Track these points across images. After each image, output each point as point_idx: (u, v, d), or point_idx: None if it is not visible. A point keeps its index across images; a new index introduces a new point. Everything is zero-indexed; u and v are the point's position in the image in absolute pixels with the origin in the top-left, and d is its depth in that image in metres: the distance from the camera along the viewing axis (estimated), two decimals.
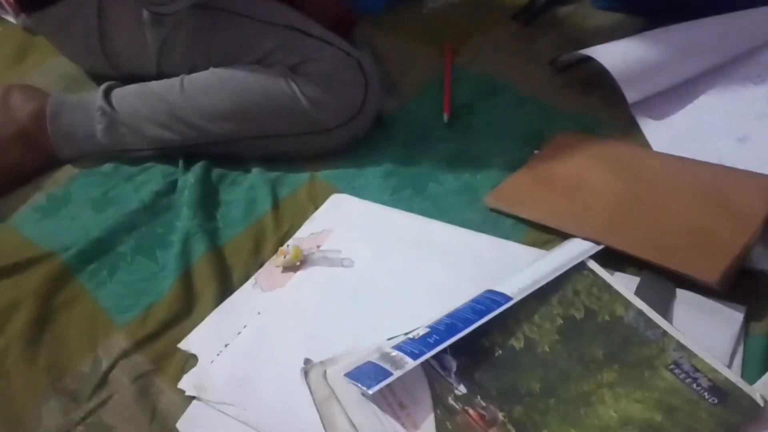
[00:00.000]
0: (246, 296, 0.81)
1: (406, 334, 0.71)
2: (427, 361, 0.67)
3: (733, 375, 0.64)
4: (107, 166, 0.99)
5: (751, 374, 0.66)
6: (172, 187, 0.95)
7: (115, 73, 1.06)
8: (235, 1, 1.01)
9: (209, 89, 0.95)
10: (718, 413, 0.61)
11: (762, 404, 0.62)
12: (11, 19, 1.26)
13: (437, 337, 0.68)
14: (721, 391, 0.63)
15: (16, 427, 0.72)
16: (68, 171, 0.99)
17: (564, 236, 0.82)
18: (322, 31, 0.99)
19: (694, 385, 0.64)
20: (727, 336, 0.70)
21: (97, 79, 1.10)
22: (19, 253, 0.87)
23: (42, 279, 0.83)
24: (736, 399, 0.62)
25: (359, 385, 0.65)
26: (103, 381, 0.74)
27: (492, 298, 0.72)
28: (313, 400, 0.67)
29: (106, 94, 0.98)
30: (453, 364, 0.68)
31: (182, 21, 1.00)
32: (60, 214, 0.93)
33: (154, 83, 0.99)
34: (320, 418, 0.66)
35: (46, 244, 0.88)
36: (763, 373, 0.67)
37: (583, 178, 0.87)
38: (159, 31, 1.01)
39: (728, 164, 0.84)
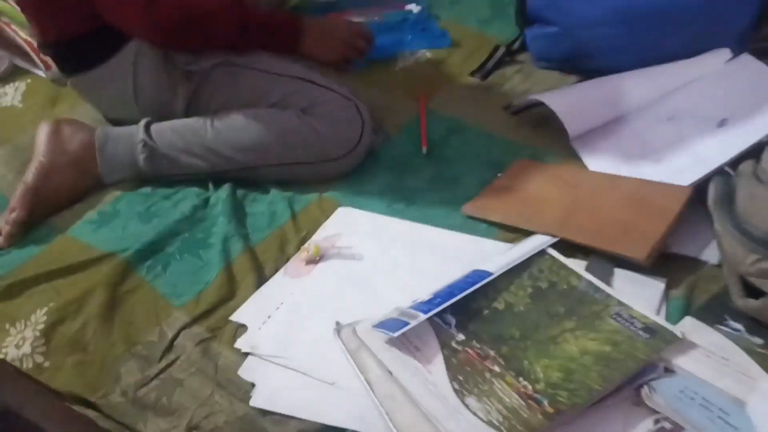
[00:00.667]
0: (279, 283, 1.00)
1: (415, 300, 0.91)
2: (432, 317, 0.87)
3: (660, 318, 0.87)
4: (146, 189, 1.17)
5: (671, 323, 0.89)
6: (205, 203, 1.13)
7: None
8: (252, 58, 1.21)
9: (236, 125, 1.15)
10: (650, 343, 0.83)
11: (681, 336, 0.84)
12: (41, 73, 1.43)
13: (440, 300, 0.88)
14: (651, 329, 0.85)
15: (98, 385, 0.88)
16: (113, 193, 1.16)
17: (527, 234, 1.04)
18: (324, 79, 1.21)
19: (632, 327, 0.86)
20: (653, 299, 0.93)
21: (124, 123, 1.28)
22: (83, 254, 1.04)
23: (107, 273, 1.00)
24: (662, 334, 0.84)
25: (386, 331, 0.84)
26: (170, 346, 0.91)
27: (479, 274, 0.93)
28: (346, 350, 0.86)
29: (147, 129, 1.17)
30: (453, 320, 0.88)
31: (208, 76, 1.20)
32: (112, 225, 1.10)
33: (187, 120, 1.18)
34: (354, 363, 0.84)
35: (105, 247, 1.05)
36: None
37: (538, 191, 1.10)
38: (189, 85, 1.20)
39: (648, 179, 1.08)
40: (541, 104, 1.22)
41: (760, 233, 0.84)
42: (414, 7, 1.61)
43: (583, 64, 1.37)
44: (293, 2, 1.65)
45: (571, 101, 1.22)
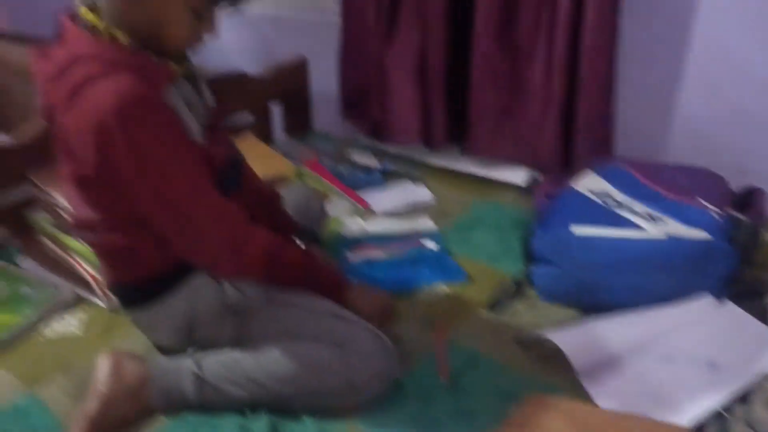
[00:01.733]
0: None
1: None
2: None
3: None
4: (190, 416, 1.25)
5: None
6: (244, 430, 1.21)
7: (191, 349, 1.34)
8: (293, 296, 1.35)
9: (276, 357, 1.26)
10: None
11: None
12: (100, 302, 1.58)
13: None
14: None
15: None
16: (161, 419, 1.25)
17: None
18: (355, 317, 1.34)
19: None
20: None
21: (176, 352, 1.37)
22: None
23: None
24: None
25: None
26: None
27: None
28: None
29: (197, 361, 1.28)
30: None
31: (254, 311, 1.33)
32: None
33: (234, 353, 1.29)
34: None
35: None
36: None
37: (549, 427, 1.19)
38: (237, 319, 1.33)
39: (647, 415, 1.17)
40: (550, 339, 1.34)
41: None
42: (430, 244, 1.79)
43: (585, 301, 1.51)
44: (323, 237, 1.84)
45: (576, 340, 1.34)
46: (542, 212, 1.67)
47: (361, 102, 2.33)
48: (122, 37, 1.17)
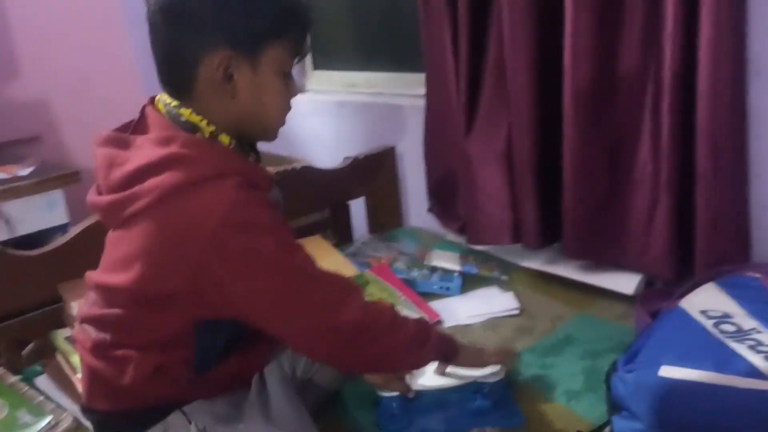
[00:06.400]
0: None
1: None
2: None
3: None
4: None
5: None
6: None
7: None
8: None
9: None
10: None
11: None
12: None
13: None
14: None
15: None
16: None
17: None
18: None
19: None
20: None
21: None
22: None
23: None
24: None
25: None
26: None
27: None
28: None
29: None
30: None
31: None
32: None
33: None
34: None
35: None
36: None
37: None
38: None
39: None
40: None
41: None
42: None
43: None
44: None
45: None
46: (638, 338, 1.27)
47: (448, 196, 2.05)
48: (227, 139, 1.09)
